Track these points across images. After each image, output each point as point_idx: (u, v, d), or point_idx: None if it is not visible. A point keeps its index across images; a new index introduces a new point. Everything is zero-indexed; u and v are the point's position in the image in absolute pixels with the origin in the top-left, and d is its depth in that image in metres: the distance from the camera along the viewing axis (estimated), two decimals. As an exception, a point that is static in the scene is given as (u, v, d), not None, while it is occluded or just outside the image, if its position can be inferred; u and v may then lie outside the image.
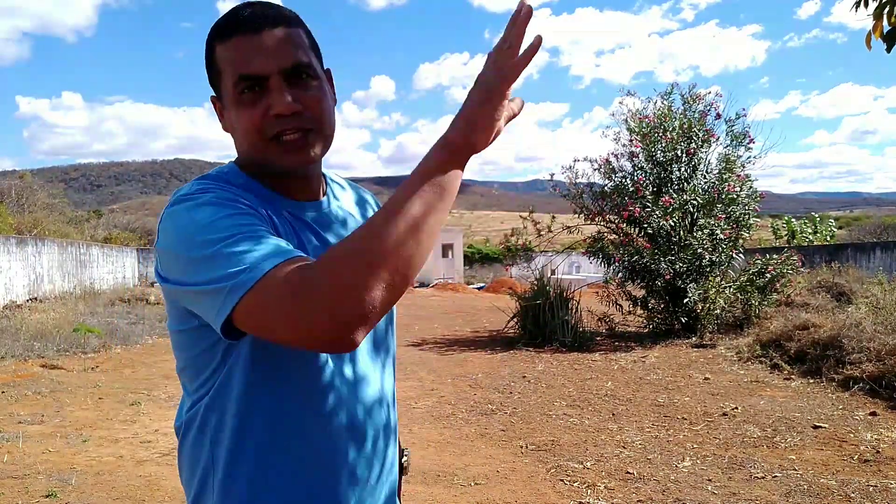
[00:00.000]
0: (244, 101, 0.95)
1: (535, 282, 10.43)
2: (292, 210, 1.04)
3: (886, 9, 2.43)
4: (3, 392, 6.45)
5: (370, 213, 1.19)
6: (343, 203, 1.15)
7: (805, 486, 3.83)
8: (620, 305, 10.79)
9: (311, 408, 1.01)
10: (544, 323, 9.74)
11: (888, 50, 2.44)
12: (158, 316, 13.36)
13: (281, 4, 1.01)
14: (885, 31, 2.49)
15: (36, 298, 14.72)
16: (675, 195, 9.83)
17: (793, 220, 25.51)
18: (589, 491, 3.86)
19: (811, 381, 6.63)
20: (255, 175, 1.03)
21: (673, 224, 9.61)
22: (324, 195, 1.11)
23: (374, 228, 0.80)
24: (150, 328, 11.42)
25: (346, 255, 0.79)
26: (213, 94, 1.04)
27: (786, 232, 24.12)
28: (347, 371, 1.04)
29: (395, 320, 1.19)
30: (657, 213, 9.56)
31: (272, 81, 0.94)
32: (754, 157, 10.29)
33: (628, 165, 10.58)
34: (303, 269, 0.79)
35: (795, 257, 10.14)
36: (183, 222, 0.89)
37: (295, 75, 0.96)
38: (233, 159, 1.08)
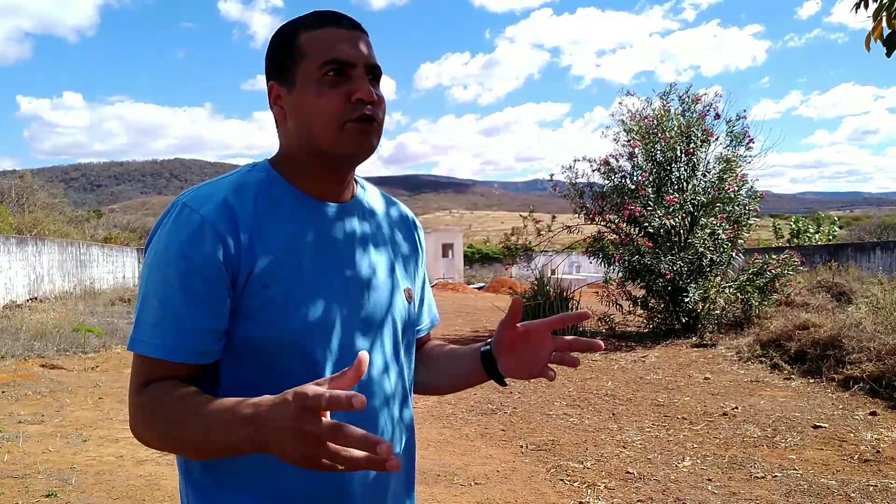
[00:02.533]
0: (327, 82, 1.00)
1: (536, 281, 10.43)
2: (314, 209, 1.05)
3: (885, 13, 2.43)
4: (3, 392, 6.45)
5: (397, 224, 1.21)
6: (372, 209, 1.16)
7: (805, 486, 3.83)
8: (620, 305, 10.80)
9: None
10: (544, 323, 9.72)
11: (888, 54, 2.43)
12: (158, 316, 13.32)
13: None
14: (884, 35, 2.48)
15: (36, 298, 14.72)
16: (675, 195, 9.83)
17: (801, 218, 25.49)
18: (589, 491, 3.86)
19: (811, 380, 6.63)
20: (286, 173, 1.06)
21: (674, 224, 9.61)
22: (352, 198, 1.13)
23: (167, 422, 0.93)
24: (151, 328, 11.39)
25: (143, 412, 0.97)
26: (273, 81, 1.06)
27: (789, 231, 24.10)
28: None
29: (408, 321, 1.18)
30: (659, 212, 9.56)
31: (358, 70, 1.01)
32: (751, 157, 10.30)
33: (628, 165, 10.59)
34: (136, 378, 0.98)
35: (795, 257, 10.14)
36: (154, 247, 0.99)
37: (373, 74, 1.04)
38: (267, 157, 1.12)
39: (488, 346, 1.16)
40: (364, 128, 1.00)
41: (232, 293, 0.97)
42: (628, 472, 4.14)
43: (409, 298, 1.17)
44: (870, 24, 2.52)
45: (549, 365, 1.10)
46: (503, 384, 1.19)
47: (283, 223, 1.01)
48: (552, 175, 10.84)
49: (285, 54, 1.04)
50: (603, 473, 4.15)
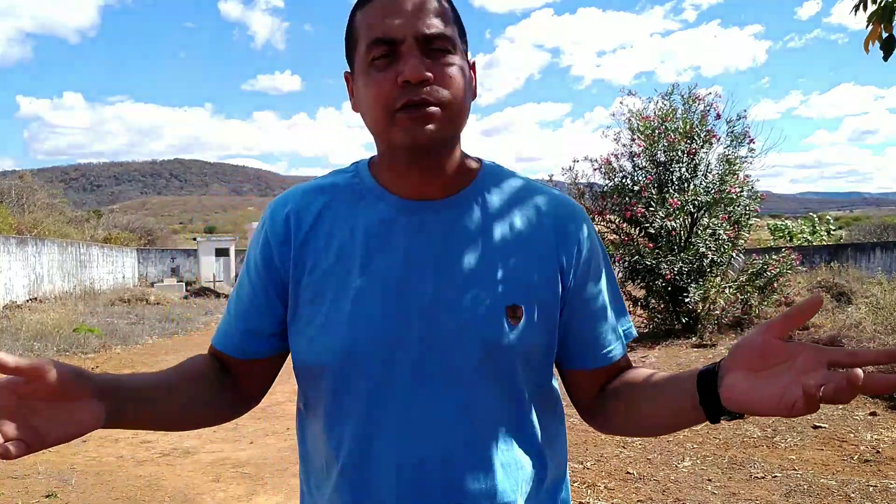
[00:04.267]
0: (375, 67, 0.85)
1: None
2: (393, 210, 0.91)
3: (885, 19, 2.44)
4: (3, 392, 6.44)
5: (532, 222, 0.94)
6: (486, 205, 0.93)
7: (805, 486, 3.83)
8: (620, 305, 10.80)
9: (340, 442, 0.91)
10: (544, 323, 9.73)
11: (885, 58, 2.44)
12: (158, 316, 13.38)
13: None
14: (883, 38, 2.49)
15: (36, 298, 14.72)
16: (677, 195, 9.84)
17: (791, 221, 25.57)
18: (589, 491, 3.86)
19: (811, 381, 6.63)
20: (377, 169, 0.95)
21: (675, 225, 9.62)
22: (458, 192, 0.93)
23: None
24: (150, 328, 11.41)
25: None
26: (347, 71, 0.94)
27: (783, 234, 24.16)
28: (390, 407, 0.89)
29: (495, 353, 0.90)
30: (660, 213, 9.57)
31: (405, 46, 0.84)
32: (752, 158, 10.30)
33: (628, 165, 10.60)
34: None
35: (794, 256, 10.14)
36: None
37: (432, 45, 0.85)
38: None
39: (716, 364, 0.80)
40: (415, 116, 0.83)
41: (283, 304, 0.94)
42: (628, 472, 4.14)
43: (515, 319, 0.89)
44: (869, 27, 2.53)
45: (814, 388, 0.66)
46: (715, 420, 0.80)
47: (346, 231, 0.90)
48: (551, 176, 10.88)
49: (347, 38, 0.92)
50: (603, 473, 4.15)
